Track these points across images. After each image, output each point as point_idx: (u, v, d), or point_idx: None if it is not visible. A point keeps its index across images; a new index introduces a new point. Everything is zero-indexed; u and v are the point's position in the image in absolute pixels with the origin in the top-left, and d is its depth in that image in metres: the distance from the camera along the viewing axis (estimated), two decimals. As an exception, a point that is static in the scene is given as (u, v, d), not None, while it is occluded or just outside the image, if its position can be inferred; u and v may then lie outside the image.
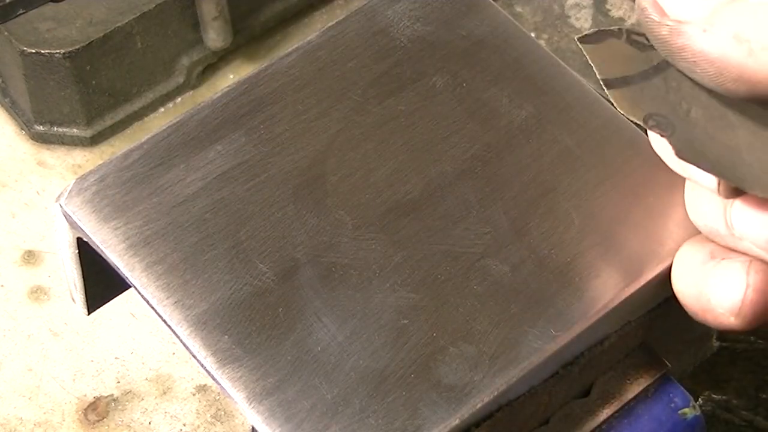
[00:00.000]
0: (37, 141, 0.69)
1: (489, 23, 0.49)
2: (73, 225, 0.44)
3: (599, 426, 0.47)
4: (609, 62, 0.40)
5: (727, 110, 0.39)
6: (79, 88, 0.67)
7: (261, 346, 0.42)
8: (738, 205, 0.41)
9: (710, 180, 0.41)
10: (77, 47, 0.66)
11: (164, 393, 0.61)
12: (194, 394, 0.61)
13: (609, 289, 0.44)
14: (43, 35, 0.66)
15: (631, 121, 0.45)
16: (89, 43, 0.66)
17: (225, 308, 0.42)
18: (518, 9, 0.73)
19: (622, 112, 0.40)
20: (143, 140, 0.46)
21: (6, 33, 0.66)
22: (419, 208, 0.45)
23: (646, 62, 0.40)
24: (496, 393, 0.41)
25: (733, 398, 0.69)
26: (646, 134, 0.46)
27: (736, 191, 0.40)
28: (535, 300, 0.43)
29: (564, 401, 0.46)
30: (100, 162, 0.47)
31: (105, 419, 0.60)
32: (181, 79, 0.70)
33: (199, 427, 0.60)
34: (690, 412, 0.48)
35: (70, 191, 0.44)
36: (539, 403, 0.44)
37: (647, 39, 0.40)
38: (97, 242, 0.43)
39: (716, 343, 0.56)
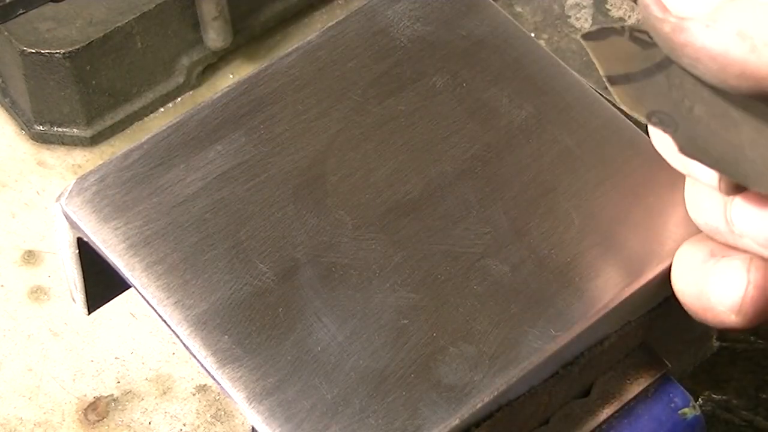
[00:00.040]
0: (37, 141, 0.69)
1: (489, 23, 0.49)
2: (73, 225, 0.44)
3: (599, 426, 0.47)
4: (612, 59, 0.40)
5: (730, 107, 0.39)
6: (79, 88, 0.67)
7: (261, 346, 0.42)
8: (738, 202, 0.41)
9: (712, 177, 0.41)
10: (77, 47, 0.66)
11: (164, 393, 0.61)
12: (194, 394, 0.61)
13: (609, 289, 0.44)
14: (43, 35, 0.66)
15: (632, 119, 0.45)
16: (89, 43, 0.66)
17: (225, 308, 0.42)
18: (518, 9, 0.73)
19: (624, 109, 0.40)
20: (143, 140, 0.46)
21: (6, 33, 0.66)
22: (419, 208, 0.45)
23: (649, 59, 0.40)
24: (496, 393, 0.41)
25: (733, 398, 0.69)
26: (646, 134, 0.46)
27: (737, 188, 0.40)
28: (535, 300, 0.43)
29: (564, 401, 0.46)
30: (100, 162, 0.47)
31: (105, 419, 0.60)
32: (181, 79, 0.70)
33: (199, 427, 0.60)
34: (690, 412, 0.48)
35: (71, 191, 0.44)
36: (539, 403, 0.44)
37: (650, 36, 0.40)
38: (97, 242, 0.43)
39: (716, 343, 0.56)
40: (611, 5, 0.71)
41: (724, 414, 0.69)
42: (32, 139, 0.69)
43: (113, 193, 0.44)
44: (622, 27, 0.41)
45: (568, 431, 0.46)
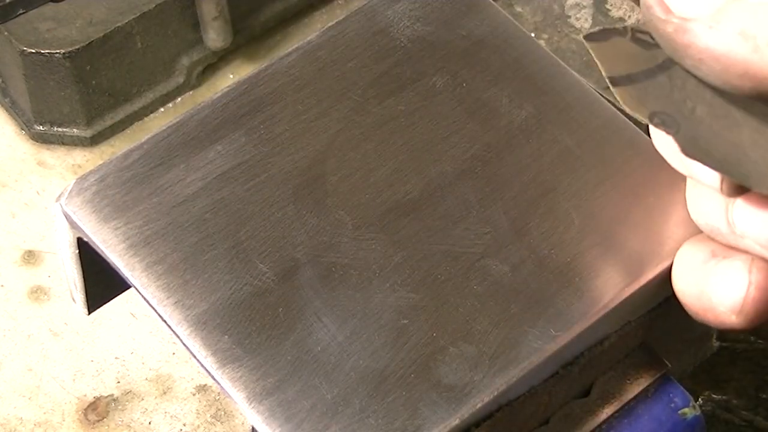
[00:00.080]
0: (37, 141, 0.69)
1: (489, 23, 0.49)
2: (73, 225, 0.44)
3: (599, 426, 0.47)
4: (614, 60, 0.40)
5: (732, 108, 0.39)
6: (79, 88, 0.67)
7: (261, 346, 0.42)
8: (740, 203, 0.41)
9: (713, 178, 0.41)
10: (77, 47, 0.66)
11: (164, 393, 0.61)
12: (194, 394, 0.61)
13: (609, 289, 0.44)
14: (43, 35, 0.66)
15: (632, 120, 0.45)
16: (89, 43, 0.66)
17: (225, 308, 0.42)
18: (518, 9, 0.73)
19: (627, 110, 0.40)
20: (143, 140, 0.46)
21: (6, 33, 0.66)
22: (419, 208, 0.45)
23: (651, 60, 0.40)
24: (496, 393, 0.41)
25: (733, 398, 0.69)
26: (647, 134, 0.46)
27: (739, 189, 0.40)
28: (535, 300, 0.43)
29: (564, 401, 0.46)
30: (100, 162, 0.47)
31: (105, 419, 0.60)
32: (181, 79, 0.70)
33: (199, 427, 0.60)
34: (690, 412, 0.48)
35: (71, 191, 0.44)
36: (539, 403, 0.44)
37: (652, 37, 0.40)
38: (97, 242, 0.43)
39: (716, 343, 0.56)
40: (611, 5, 0.71)
41: (724, 414, 0.69)
42: (32, 139, 0.69)
43: (113, 193, 0.44)
44: (624, 28, 0.41)
45: (568, 431, 0.46)
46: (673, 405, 0.48)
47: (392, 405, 0.41)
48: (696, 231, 0.44)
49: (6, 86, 0.70)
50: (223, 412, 0.60)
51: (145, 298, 0.43)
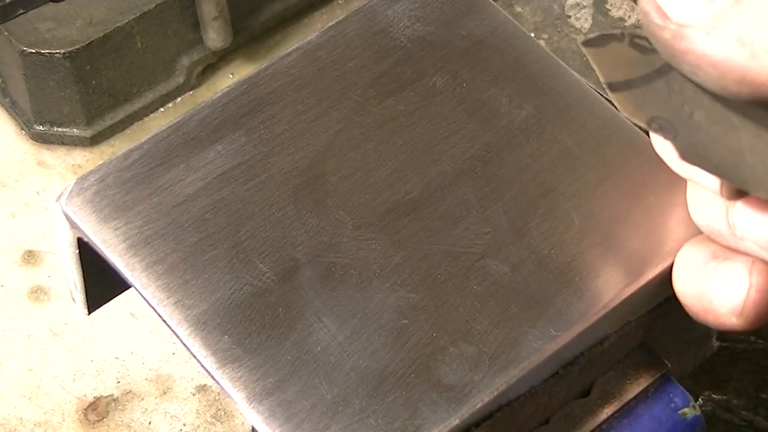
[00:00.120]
0: (37, 141, 0.69)
1: (489, 23, 0.49)
2: (73, 225, 0.44)
3: (599, 426, 0.47)
4: (612, 65, 0.40)
5: (730, 113, 0.39)
6: (79, 88, 0.67)
7: (261, 346, 0.42)
8: (740, 206, 0.41)
9: (713, 182, 0.41)
10: (77, 47, 0.66)
11: (164, 393, 0.61)
12: (194, 394, 0.61)
13: (609, 289, 0.44)
14: (43, 35, 0.66)
15: (634, 123, 0.45)
16: (89, 43, 0.66)
17: (225, 308, 0.42)
18: (518, 9, 0.73)
19: (625, 115, 0.40)
20: (143, 140, 0.46)
21: (6, 33, 0.66)
22: (419, 208, 0.45)
23: (649, 65, 0.40)
24: (496, 393, 0.41)
25: (733, 398, 0.69)
26: (647, 134, 0.46)
27: (739, 193, 0.40)
28: (535, 300, 0.43)
29: (564, 401, 0.46)
30: (100, 162, 0.47)
31: (105, 419, 0.60)
32: (181, 79, 0.71)
33: (199, 427, 0.60)
34: (690, 412, 0.48)
35: (71, 191, 0.44)
36: (539, 403, 0.44)
37: (649, 42, 0.40)
38: (98, 242, 0.43)
39: (716, 343, 0.56)
40: (611, 5, 0.71)
41: (724, 414, 0.69)
42: (32, 139, 0.69)
43: (113, 193, 0.44)
44: (622, 33, 0.41)
45: (568, 431, 0.46)
46: (673, 405, 0.48)
47: (392, 405, 0.41)
48: (696, 231, 0.44)
49: (6, 86, 0.70)
50: (223, 412, 0.60)
51: (145, 298, 0.43)
